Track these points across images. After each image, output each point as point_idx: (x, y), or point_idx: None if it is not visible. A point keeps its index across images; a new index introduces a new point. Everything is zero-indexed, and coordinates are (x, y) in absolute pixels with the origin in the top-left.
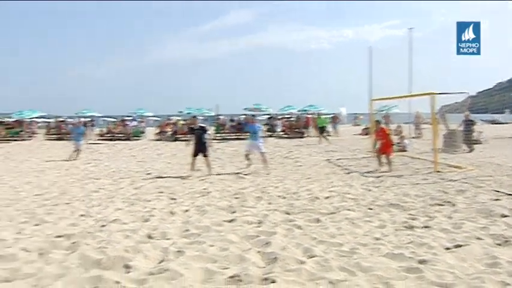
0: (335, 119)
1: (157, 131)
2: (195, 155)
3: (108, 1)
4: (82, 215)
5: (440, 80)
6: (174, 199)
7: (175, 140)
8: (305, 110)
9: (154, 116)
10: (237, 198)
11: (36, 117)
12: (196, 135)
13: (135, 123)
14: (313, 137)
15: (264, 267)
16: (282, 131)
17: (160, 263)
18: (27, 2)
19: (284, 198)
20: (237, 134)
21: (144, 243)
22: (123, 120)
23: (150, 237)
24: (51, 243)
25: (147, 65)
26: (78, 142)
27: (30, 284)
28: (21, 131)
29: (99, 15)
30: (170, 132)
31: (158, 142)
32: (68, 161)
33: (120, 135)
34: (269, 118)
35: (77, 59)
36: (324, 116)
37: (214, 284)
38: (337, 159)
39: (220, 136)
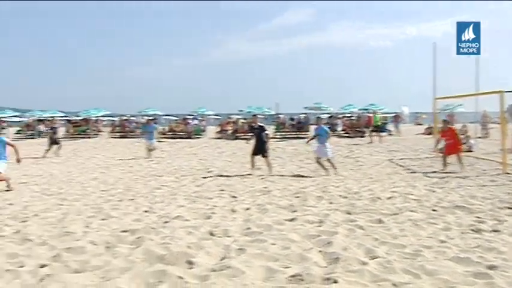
0: (397, 118)
1: (218, 129)
2: (255, 153)
3: (168, 1)
4: (146, 211)
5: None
6: (235, 197)
7: (236, 138)
8: (366, 109)
9: (215, 115)
10: (297, 197)
11: (102, 116)
12: (255, 134)
13: (196, 121)
14: (373, 136)
15: (326, 267)
16: (342, 130)
17: (222, 260)
18: (92, 3)
19: (345, 198)
20: (297, 133)
21: (206, 240)
22: (184, 119)
23: (212, 234)
24: (117, 238)
25: (208, 64)
26: (151, 141)
27: (98, 276)
28: (88, 129)
29: (161, 15)
30: (231, 131)
31: (219, 140)
32: (146, 159)
33: (181, 133)
34: (330, 117)
35: (141, 59)
36: (380, 115)
37: (275, 283)
38: (400, 159)
39: (280, 135)
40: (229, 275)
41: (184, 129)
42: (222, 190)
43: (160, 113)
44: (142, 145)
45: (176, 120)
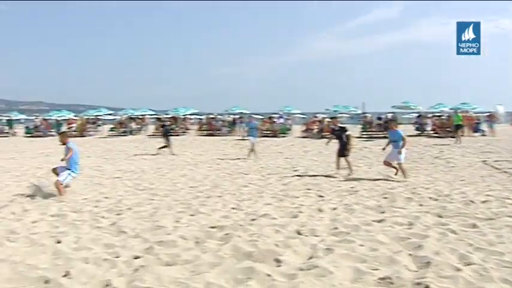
0: (491, 118)
1: (304, 128)
2: (339, 155)
3: (253, 1)
4: (233, 208)
5: None
6: (322, 196)
7: (322, 137)
8: (458, 108)
9: (301, 114)
10: (385, 198)
11: (190, 114)
12: (336, 136)
13: (282, 120)
14: (466, 136)
15: (416, 271)
16: (432, 130)
17: (309, 259)
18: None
19: (436, 200)
20: (385, 133)
21: (293, 238)
22: (270, 118)
23: (299, 233)
24: (206, 233)
25: (293, 62)
26: (254, 138)
27: (188, 270)
28: (176, 127)
29: (247, 14)
30: (316, 130)
31: (304, 139)
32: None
33: (267, 132)
34: (418, 116)
35: (227, 59)
36: (472, 114)
37: (364, 284)
38: (495, 161)
39: (366, 134)
40: (317, 275)
41: (270, 127)
42: (309, 189)
43: (246, 112)
44: (236, 143)
45: (262, 119)
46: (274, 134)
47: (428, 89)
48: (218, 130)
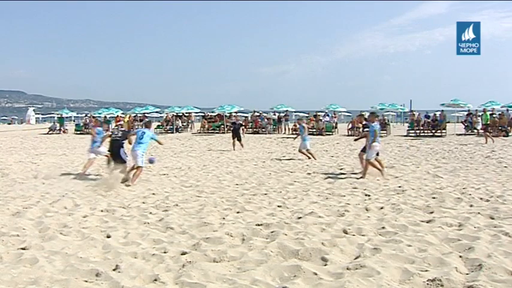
0: None
1: (350, 126)
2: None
3: (300, 1)
4: (279, 206)
5: None
6: (368, 195)
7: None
8: (511, 106)
9: (346, 112)
10: (434, 198)
11: (235, 112)
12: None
13: (327, 118)
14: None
15: (467, 274)
16: (482, 129)
17: (356, 258)
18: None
19: (487, 201)
20: (433, 131)
21: (340, 237)
22: (315, 115)
23: (345, 232)
24: (252, 231)
25: (338, 60)
26: (304, 142)
27: (235, 267)
28: (222, 125)
29: (291, 12)
30: (362, 128)
31: (350, 138)
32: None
33: (312, 130)
34: (468, 114)
35: (273, 57)
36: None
37: (412, 286)
38: None
39: (414, 133)
40: (364, 275)
41: (315, 125)
42: (355, 188)
43: (292, 110)
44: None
45: (307, 116)
46: (320, 132)
47: (480, 85)
48: (263, 128)
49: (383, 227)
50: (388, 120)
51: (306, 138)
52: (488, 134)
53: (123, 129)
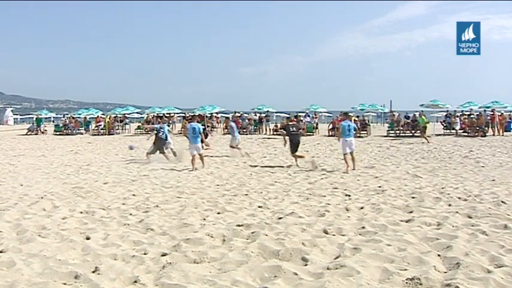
0: None
1: (330, 126)
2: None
3: (280, 1)
4: (260, 207)
5: None
6: (349, 195)
7: None
8: (488, 107)
9: (327, 112)
10: (413, 197)
11: (216, 112)
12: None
13: (308, 118)
14: (496, 136)
15: (446, 272)
16: (461, 129)
17: (336, 258)
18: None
19: (465, 200)
20: (412, 131)
21: (320, 237)
22: (296, 116)
23: (325, 232)
24: (233, 231)
25: (319, 61)
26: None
27: (215, 268)
28: (203, 125)
29: (271, 13)
30: (355, 126)
31: (331, 138)
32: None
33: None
34: (446, 116)
35: (253, 58)
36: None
37: (391, 285)
38: None
39: (393, 133)
40: (344, 274)
41: (296, 126)
42: (335, 188)
43: (273, 110)
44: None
45: (288, 117)
46: (301, 133)
47: (458, 87)
48: (244, 128)
49: (363, 227)
50: (368, 121)
51: (237, 135)
52: (424, 135)
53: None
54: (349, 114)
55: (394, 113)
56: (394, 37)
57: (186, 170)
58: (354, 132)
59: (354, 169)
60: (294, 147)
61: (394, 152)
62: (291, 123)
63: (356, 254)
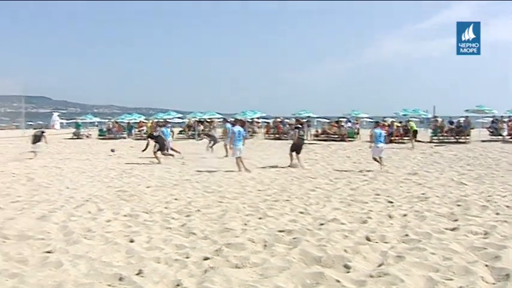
0: None
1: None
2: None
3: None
4: (301, 212)
5: None
6: (391, 202)
7: (390, 141)
8: None
9: (369, 117)
10: (459, 205)
11: (257, 118)
12: None
13: (349, 124)
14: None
15: (494, 283)
16: (508, 135)
17: (379, 266)
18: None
19: None
20: (457, 137)
21: (363, 244)
22: (337, 121)
23: (368, 239)
24: (274, 237)
25: (360, 66)
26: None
27: (257, 273)
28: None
29: (311, 17)
30: (385, 134)
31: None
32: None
33: (334, 136)
34: (493, 121)
35: (295, 63)
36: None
37: None
38: None
39: (437, 139)
40: (388, 283)
41: (337, 131)
42: (378, 195)
43: (314, 116)
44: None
45: (329, 122)
46: (342, 138)
47: (506, 91)
48: (285, 134)
49: (406, 235)
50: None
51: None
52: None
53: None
54: (380, 122)
55: (438, 119)
56: (438, 41)
57: (228, 174)
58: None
59: (381, 169)
60: (298, 149)
61: (437, 158)
62: (300, 125)
63: (400, 262)
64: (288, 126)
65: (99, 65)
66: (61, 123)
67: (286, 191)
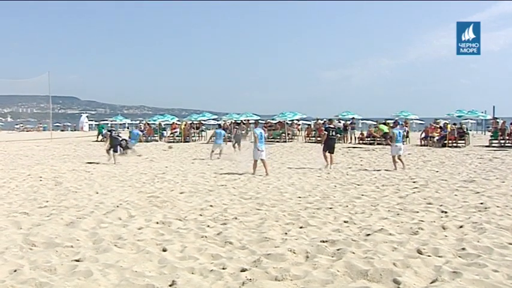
0: None
1: (423, 135)
2: None
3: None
4: (345, 222)
5: None
6: (445, 212)
7: (444, 146)
8: None
9: (419, 119)
10: None
11: (297, 119)
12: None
13: (398, 126)
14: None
15: None
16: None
17: (433, 282)
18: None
19: None
20: None
21: (414, 258)
22: (385, 123)
23: (420, 252)
24: (317, 248)
25: (407, 63)
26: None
27: (298, 286)
28: (283, 133)
29: (353, 13)
30: (437, 137)
31: (423, 148)
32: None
33: (381, 139)
34: None
35: (333, 60)
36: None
37: None
38: None
39: (497, 143)
40: None
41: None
42: (430, 203)
43: (358, 117)
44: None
45: (375, 125)
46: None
47: None
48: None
49: (463, 248)
50: (467, 129)
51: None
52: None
53: None
54: (398, 121)
55: (498, 120)
56: (496, 34)
57: (266, 180)
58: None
59: (403, 168)
60: (330, 149)
61: (498, 164)
62: (331, 126)
63: (456, 279)
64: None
65: (129, 64)
66: (90, 124)
67: (329, 198)
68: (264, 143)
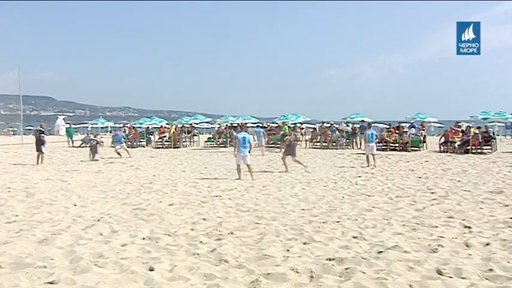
0: None
1: (442, 140)
2: None
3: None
4: (354, 237)
5: None
6: (469, 227)
7: (466, 152)
8: None
9: (438, 122)
10: None
11: (300, 122)
12: None
13: (413, 130)
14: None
15: None
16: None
17: None
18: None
19: None
20: None
21: (433, 279)
22: (398, 127)
23: (439, 272)
24: (322, 267)
25: (422, 59)
26: None
27: None
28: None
29: (362, 5)
30: (459, 143)
31: (443, 154)
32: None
33: (394, 144)
34: None
35: (339, 57)
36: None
37: None
38: None
39: None
40: None
41: (398, 139)
42: (450, 217)
43: (369, 120)
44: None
45: (388, 128)
46: (404, 147)
47: None
48: (334, 142)
49: (490, 269)
50: (493, 133)
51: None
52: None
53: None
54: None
55: None
56: None
57: (265, 190)
58: (376, 139)
59: (374, 166)
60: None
61: None
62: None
63: None
64: (338, 132)
65: (111, 61)
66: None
67: (336, 211)
68: (247, 148)
